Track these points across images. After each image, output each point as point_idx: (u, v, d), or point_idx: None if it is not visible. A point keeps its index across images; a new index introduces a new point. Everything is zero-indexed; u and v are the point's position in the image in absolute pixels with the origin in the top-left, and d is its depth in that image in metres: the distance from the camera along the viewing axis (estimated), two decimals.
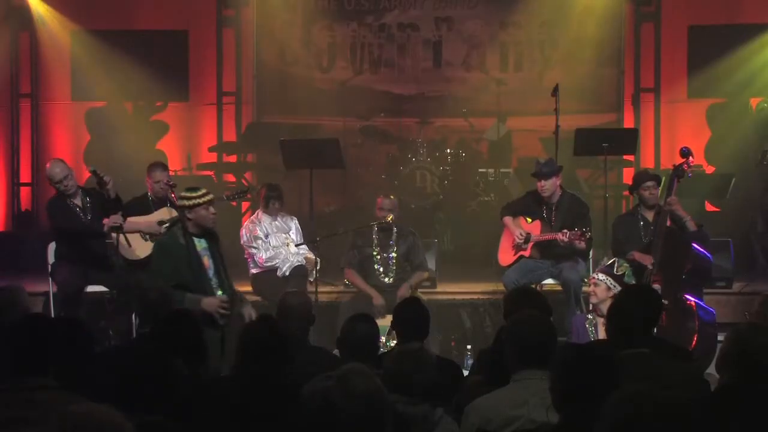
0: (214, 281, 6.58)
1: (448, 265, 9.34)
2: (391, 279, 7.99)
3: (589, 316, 6.73)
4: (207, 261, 6.58)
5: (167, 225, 7.70)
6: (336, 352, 5.85)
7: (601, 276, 6.62)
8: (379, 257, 8.02)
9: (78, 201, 7.67)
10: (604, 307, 6.52)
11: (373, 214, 8.27)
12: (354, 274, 8.02)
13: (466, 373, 5.50)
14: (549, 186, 7.89)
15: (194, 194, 6.48)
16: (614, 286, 6.52)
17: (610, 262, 6.98)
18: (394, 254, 8.04)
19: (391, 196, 8.23)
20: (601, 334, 6.47)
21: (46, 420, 3.20)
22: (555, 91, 8.93)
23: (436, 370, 4.04)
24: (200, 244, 6.56)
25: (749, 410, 3.46)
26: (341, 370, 3.14)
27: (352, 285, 8.10)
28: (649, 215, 7.72)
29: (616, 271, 6.68)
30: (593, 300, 6.63)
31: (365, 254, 8.04)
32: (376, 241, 8.04)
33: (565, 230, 7.63)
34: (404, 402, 3.92)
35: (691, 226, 7.54)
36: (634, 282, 6.73)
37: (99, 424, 2.71)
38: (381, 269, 8.02)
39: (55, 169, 7.64)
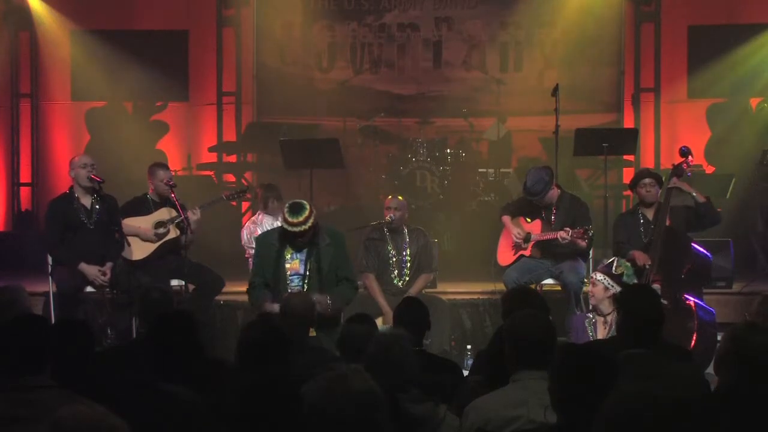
0: (295, 284, 6.70)
1: (448, 265, 9.34)
2: (404, 282, 7.95)
3: (589, 315, 6.73)
4: (297, 264, 6.72)
5: (165, 222, 7.73)
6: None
7: (599, 276, 6.63)
8: (394, 259, 7.98)
9: (85, 201, 7.64)
10: (604, 307, 6.54)
11: (373, 214, 8.25)
12: (373, 280, 7.88)
13: (466, 373, 5.50)
14: (548, 199, 7.88)
15: (288, 220, 6.56)
16: (612, 286, 6.52)
17: (609, 261, 6.98)
18: (408, 257, 8.01)
19: (399, 197, 8.20)
20: (600, 334, 6.49)
21: (42, 419, 3.20)
22: (555, 91, 8.93)
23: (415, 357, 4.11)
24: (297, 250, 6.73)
25: (748, 410, 3.45)
26: (334, 372, 3.15)
27: (367, 290, 7.93)
28: (649, 213, 7.70)
29: (615, 271, 6.67)
30: (592, 300, 6.64)
31: (381, 253, 7.99)
32: (390, 241, 8.01)
33: (567, 228, 7.62)
34: (408, 401, 3.93)
35: (699, 198, 7.54)
36: (634, 281, 6.72)
37: (94, 425, 2.71)
38: (396, 272, 7.99)
39: (86, 156, 7.84)
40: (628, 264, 6.81)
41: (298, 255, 6.73)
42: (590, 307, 6.82)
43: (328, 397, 3.01)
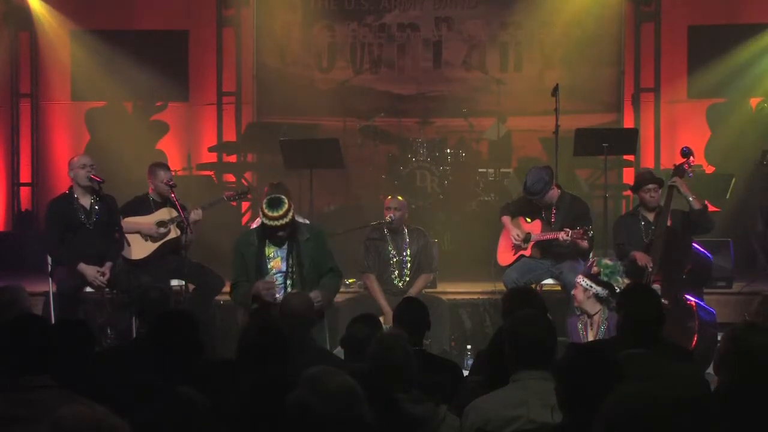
0: (279, 281, 6.74)
1: (448, 265, 9.33)
2: (404, 283, 7.94)
3: (583, 316, 6.74)
4: (279, 263, 6.77)
5: (166, 222, 7.73)
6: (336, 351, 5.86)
7: (579, 278, 6.69)
8: (395, 260, 7.98)
9: (85, 201, 7.64)
10: (588, 308, 6.58)
11: (373, 214, 8.24)
12: (374, 280, 7.88)
13: (466, 373, 5.50)
14: (548, 198, 7.87)
15: (268, 214, 6.61)
16: (590, 287, 6.54)
17: (589, 262, 6.99)
18: (408, 257, 8.00)
19: (399, 197, 8.20)
20: (590, 336, 6.51)
21: (42, 419, 3.20)
22: (555, 91, 8.93)
23: (416, 358, 4.12)
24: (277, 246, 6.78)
25: (748, 410, 3.45)
26: (309, 373, 3.16)
27: (368, 290, 7.94)
28: (650, 216, 7.70)
29: (592, 271, 6.69)
30: (575, 303, 6.70)
31: (382, 253, 7.97)
32: (390, 242, 8.00)
33: (567, 229, 7.62)
34: (408, 401, 3.93)
35: (695, 204, 7.52)
36: (617, 279, 6.70)
37: (94, 425, 2.71)
38: (396, 272, 7.98)
39: (85, 156, 7.85)
40: (607, 263, 6.79)
41: (280, 252, 6.78)
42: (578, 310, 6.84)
43: (307, 399, 3.03)
